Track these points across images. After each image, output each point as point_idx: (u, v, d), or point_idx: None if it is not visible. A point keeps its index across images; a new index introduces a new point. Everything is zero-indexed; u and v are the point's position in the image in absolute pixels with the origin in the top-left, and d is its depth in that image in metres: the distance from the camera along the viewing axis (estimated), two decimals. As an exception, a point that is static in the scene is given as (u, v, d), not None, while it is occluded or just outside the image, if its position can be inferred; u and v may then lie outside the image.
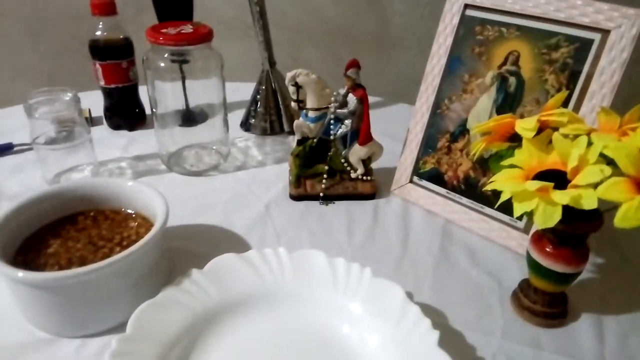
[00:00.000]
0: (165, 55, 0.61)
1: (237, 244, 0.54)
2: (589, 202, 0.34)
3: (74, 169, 0.64)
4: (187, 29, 0.60)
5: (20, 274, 0.39)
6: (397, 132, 0.67)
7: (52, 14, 1.27)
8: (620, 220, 0.32)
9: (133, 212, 0.50)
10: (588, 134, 0.37)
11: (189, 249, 0.52)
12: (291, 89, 0.58)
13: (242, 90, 0.85)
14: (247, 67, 0.87)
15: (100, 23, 0.71)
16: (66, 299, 0.40)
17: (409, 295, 0.46)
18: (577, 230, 0.39)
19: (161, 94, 0.65)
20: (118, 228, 0.48)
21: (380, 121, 0.67)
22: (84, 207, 0.50)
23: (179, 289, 0.42)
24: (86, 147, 0.63)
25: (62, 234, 0.47)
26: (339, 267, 0.45)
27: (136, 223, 0.48)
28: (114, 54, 0.72)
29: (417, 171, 0.62)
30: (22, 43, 1.32)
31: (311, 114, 0.59)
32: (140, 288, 0.43)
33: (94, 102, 0.79)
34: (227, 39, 1.12)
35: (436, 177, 0.60)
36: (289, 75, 0.58)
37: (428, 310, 0.45)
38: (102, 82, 0.74)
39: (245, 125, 0.81)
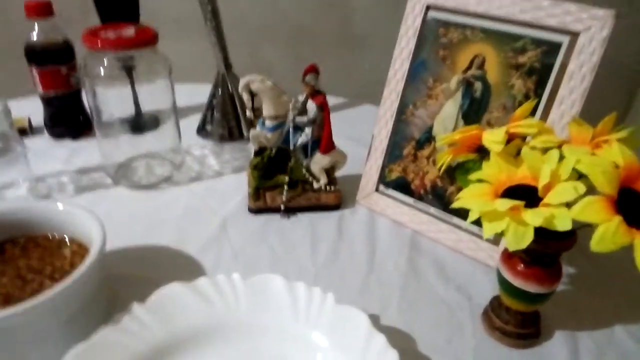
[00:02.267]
0: (106, 61, 0.55)
1: (189, 268, 0.49)
2: (562, 223, 0.31)
3: (8, 186, 0.58)
4: (130, 31, 0.55)
5: None
6: (363, 135, 0.64)
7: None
8: (597, 244, 0.30)
9: (68, 238, 0.44)
10: (559, 147, 0.35)
11: (135, 276, 0.47)
12: (245, 96, 0.54)
13: (198, 93, 0.80)
14: (203, 68, 0.82)
15: (36, 26, 0.64)
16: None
17: (376, 318, 0.43)
18: (549, 250, 0.37)
19: (104, 100, 0.59)
20: (50, 257, 0.43)
21: (345, 124, 0.64)
22: (12, 234, 0.44)
23: (118, 327, 0.38)
24: (20, 162, 0.57)
25: (-15, 266, 0.41)
26: (300, 293, 0.42)
27: (71, 251, 0.43)
28: (52, 59, 0.66)
29: (383, 179, 0.59)
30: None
31: (268, 122, 0.55)
32: (72, 327, 0.38)
33: (35, 109, 0.73)
34: (181, 39, 1.06)
35: (403, 186, 0.57)
36: (241, 83, 0.53)
37: (395, 334, 0.42)
38: (40, 89, 0.68)
39: (202, 131, 0.76)
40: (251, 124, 0.58)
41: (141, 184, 0.62)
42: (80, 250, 0.43)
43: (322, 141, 0.55)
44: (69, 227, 0.44)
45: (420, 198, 0.56)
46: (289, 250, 0.53)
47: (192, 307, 0.40)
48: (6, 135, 0.55)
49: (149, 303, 0.40)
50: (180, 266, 0.50)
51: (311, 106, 0.54)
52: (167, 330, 0.39)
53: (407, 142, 0.56)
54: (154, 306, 0.39)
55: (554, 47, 0.45)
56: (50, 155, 0.68)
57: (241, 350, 0.39)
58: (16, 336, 0.35)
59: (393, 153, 0.58)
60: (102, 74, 0.56)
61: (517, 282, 0.39)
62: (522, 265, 0.39)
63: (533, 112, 0.46)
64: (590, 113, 0.42)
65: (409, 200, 0.57)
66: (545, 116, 0.46)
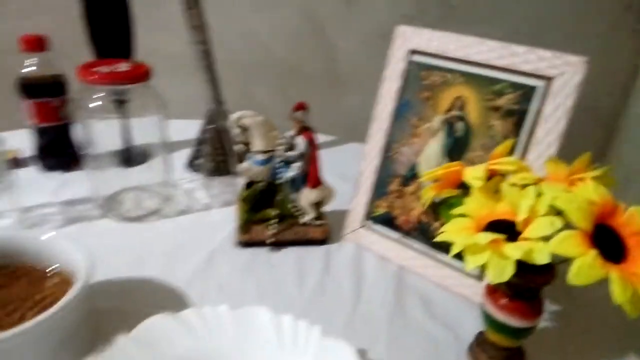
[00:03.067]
0: (99, 95, 0.57)
1: (175, 300, 0.49)
2: (541, 256, 0.32)
3: (-5, 216, 0.57)
4: (123, 67, 0.56)
5: None
6: (349, 172, 0.65)
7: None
8: (575, 276, 0.31)
9: (52, 268, 0.44)
10: (537, 184, 0.36)
11: (120, 308, 0.46)
12: (236, 131, 0.56)
13: (189, 129, 0.81)
14: (195, 104, 0.83)
15: (31, 59, 0.66)
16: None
17: (362, 353, 0.43)
18: (530, 283, 0.38)
19: (96, 133, 0.60)
20: (34, 287, 0.42)
21: (333, 161, 0.65)
22: (-3, 264, 0.44)
23: (102, 359, 0.37)
24: (8, 193, 0.57)
25: (-33, 296, 0.41)
26: (286, 325, 0.42)
27: (54, 282, 0.43)
28: (44, 92, 0.67)
29: (369, 215, 0.60)
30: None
31: (258, 156, 0.57)
32: (55, 358, 0.37)
33: (25, 141, 0.73)
34: (175, 75, 1.08)
35: (389, 221, 0.58)
36: (233, 118, 0.55)
37: (382, 369, 0.42)
38: (31, 121, 0.69)
39: (192, 165, 0.77)
40: (240, 158, 0.59)
41: (129, 216, 0.63)
42: (65, 281, 0.43)
43: (310, 176, 0.57)
44: (54, 258, 0.44)
45: (406, 234, 0.57)
46: (275, 283, 0.53)
47: (177, 339, 0.40)
48: (-4, 166, 0.55)
49: (133, 334, 0.39)
50: (166, 298, 0.49)
51: (300, 141, 0.56)
52: (151, 363, 0.38)
53: (393, 178, 0.58)
54: (139, 337, 0.39)
55: (530, 91, 0.48)
56: (39, 186, 0.68)
57: (226, 384, 0.39)
58: (-5, 368, 0.35)
59: (379, 189, 0.59)
60: (95, 107, 0.57)
61: (501, 316, 0.39)
62: (504, 299, 0.40)
63: (513, 151, 0.48)
64: (568, 150, 0.44)
65: (395, 235, 0.58)
66: (523, 156, 0.48)
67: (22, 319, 0.39)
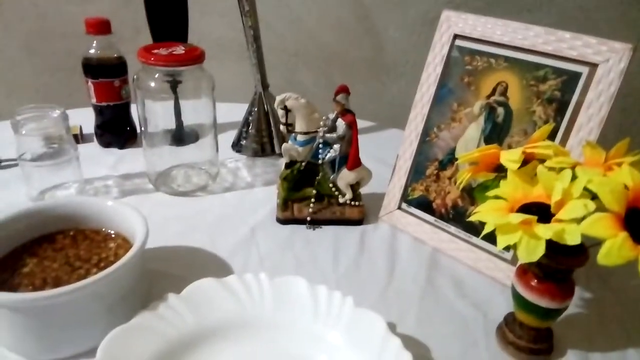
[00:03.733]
0: (156, 76, 0.61)
1: (219, 268, 0.53)
2: (572, 237, 0.33)
3: (59, 186, 0.63)
4: (179, 50, 0.60)
5: (-9, 294, 0.38)
6: (388, 157, 0.67)
7: (49, 31, 1.28)
8: (604, 257, 0.31)
9: (113, 232, 0.49)
10: (573, 168, 0.37)
11: (169, 272, 0.51)
12: (280, 112, 0.58)
13: (235, 112, 0.85)
14: (241, 89, 0.87)
15: (94, 42, 0.71)
16: (37, 321, 0.39)
17: (392, 326, 0.45)
18: (561, 265, 0.38)
19: (151, 113, 0.65)
20: (96, 249, 0.47)
21: (372, 146, 0.67)
22: (64, 226, 0.49)
23: (154, 314, 0.41)
24: (72, 165, 0.62)
25: (39, 253, 0.46)
26: (321, 295, 0.44)
27: (115, 244, 0.47)
28: (106, 73, 0.72)
29: (405, 198, 0.62)
30: (19, 59, 1.32)
31: (300, 137, 0.59)
32: (114, 312, 0.42)
33: (86, 119, 0.79)
34: (224, 60, 1.13)
35: (424, 205, 0.60)
36: (278, 99, 0.58)
37: (411, 342, 0.44)
38: (93, 100, 0.74)
39: (237, 146, 0.80)
40: (283, 139, 0.62)
41: (179, 191, 0.67)
42: (124, 244, 0.47)
43: (350, 158, 0.59)
44: (115, 222, 0.49)
45: (441, 217, 0.58)
46: (312, 259, 0.55)
47: (221, 301, 0.43)
48: (62, 139, 0.61)
49: (183, 294, 0.43)
50: (211, 266, 0.53)
51: (341, 124, 0.58)
52: (197, 321, 0.42)
53: (430, 162, 0.59)
54: (187, 297, 0.43)
55: (574, 77, 0.48)
56: (98, 161, 0.73)
57: (262, 344, 0.42)
58: (66, 314, 0.39)
59: (416, 172, 0.60)
60: (153, 87, 0.61)
61: (531, 297, 0.40)
62: (535, 280, 0.40)
63: (552, 138, 0.48)
64: (610, 139, 0.44)
65: (430, 218, 0.59)
66: (564, 142, 0.48)
67: (86, 275, 0.43)
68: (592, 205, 0.33)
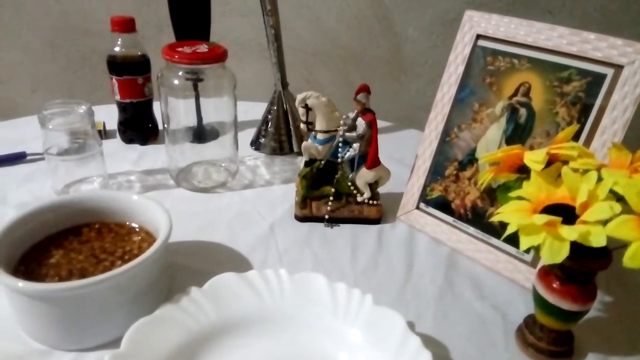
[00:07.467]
0: (180, 73, 0.62)
1: (239, 263, 0.53)
2: (597, 239, 0.33)
3: (83, 180, 0.64)
4: (203, 48, 0.61)
5: (20, 284, 0.39)
6: (406, 157, 0.67)
7: (74, 28, 1.31)
8: (629, 259, 0.31)
9: (137, 226, 0.50)
10: (598, 169, 0.37)
11: (191, 266, 0.52)
12: (301, 110, 0.59)
13: (255, 110, 0.86)
14: (260, 88, 0.88)
15: (119, 39, 0.72)
16: (62, 311, 0.40)
17: (410, 325, 0.45)
18: (584, 268, 0.38)
19: (174, 110, 0.66)
20: (121, 242, 0.48)
21: (390, 146, 0.67)
22: (89, 219, 0.50)
23: (177, 306, 0.42)
24: (97, 160, 0.64)
25: (65, 245, 0.47)
26: (340, 292, 0.45)
27: (139, 237, 0.48)
28: (130, 70, 0.73)
29: (424, 198, 0.61)
30: (44, 55, 1.35)
31: (320, 136, 0.60)
32: (138, 303, 0.42)
33: (110, 115, 0.81)
34: (243, 60, 1.14)
35: (443, 205, 0.60)
36: (299, 97, 0.58)
37: (429, 341, 0.44)
38: (117, 97, 0.76)
39: (256, 144, 0.81)
40: (302, 137, 0.62)
41: (199, 187, 0.68)
42: (148, 237, 0.48)
43: (369, 157, 0.59)
44: (139, 216, 0.50)
45: (459, 217, 0.58)
46: (330, 256, 0.56)
47: (241, 296, 0.44)
48: (88, 134, 0.62)
49: (205, 288, 0.44)
50: (230, 261, 0.54)
51: (360, 123, 0.58)
52: (218, 314, 0.43)
53: (450, 162, 0.59)
54: (209, 291, 0.44)
55: (599, 79, 0.47)
56: (121, 157, 0.75)
57: (282, 339, 0.42)
58: (91, 305, 0.40)
59: (435, 173, 0.60)
60: (176, 84, 0.62)
61: (553, 299, 0.40)
62: (557, 282, 0.40)
63: (576, 140, 0.47)
64: (633, 142, 0.44)
65: (449, 219, 0.59)
66: (587, 144, 0.48)
67: (111, 267, 0.44)
68: (618, 207, 0.33)
